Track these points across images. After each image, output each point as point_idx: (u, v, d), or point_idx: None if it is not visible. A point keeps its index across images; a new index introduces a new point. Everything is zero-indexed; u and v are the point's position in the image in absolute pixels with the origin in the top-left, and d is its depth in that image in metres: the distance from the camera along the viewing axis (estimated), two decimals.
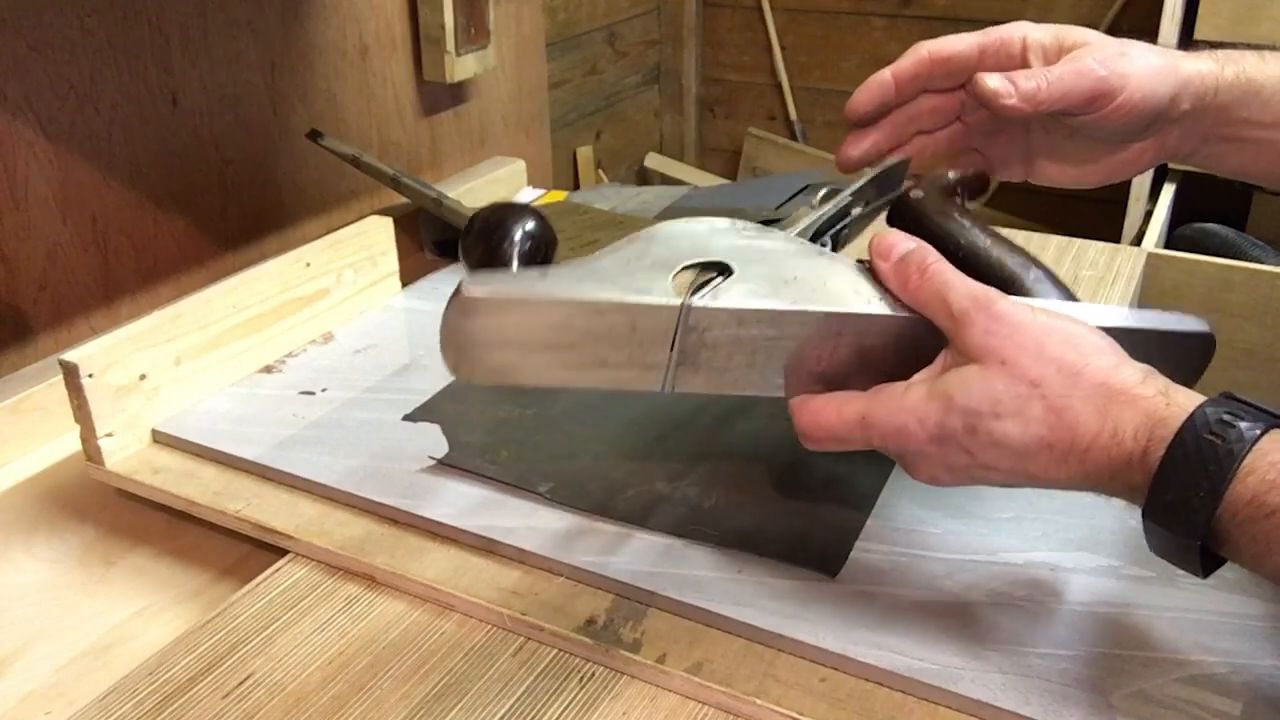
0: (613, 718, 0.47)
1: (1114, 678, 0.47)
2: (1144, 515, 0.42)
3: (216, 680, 0.49)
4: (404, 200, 0.95)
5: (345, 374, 0.72)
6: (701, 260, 0.48)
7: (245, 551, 0.60)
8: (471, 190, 1.08)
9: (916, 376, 0.47)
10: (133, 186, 0.81)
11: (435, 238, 0.95)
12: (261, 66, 0.90)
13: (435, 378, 0.70)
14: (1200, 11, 1.71)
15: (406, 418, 0.66)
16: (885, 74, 0.57)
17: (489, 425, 0.65)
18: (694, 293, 0.47)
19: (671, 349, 0.47)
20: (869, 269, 0.49)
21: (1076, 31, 0.55)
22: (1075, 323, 0.45)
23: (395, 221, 0.83)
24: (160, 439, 0.65)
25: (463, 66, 1.07)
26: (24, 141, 0.73)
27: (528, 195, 1.15)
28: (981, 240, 0.52)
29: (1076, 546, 0.55)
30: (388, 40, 1.02)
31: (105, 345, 0.62)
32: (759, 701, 0.46)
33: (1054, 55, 0.55)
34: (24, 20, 0.72)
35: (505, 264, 0.53)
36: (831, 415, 0.48)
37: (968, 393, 0.44)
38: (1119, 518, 0.56)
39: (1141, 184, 1.86)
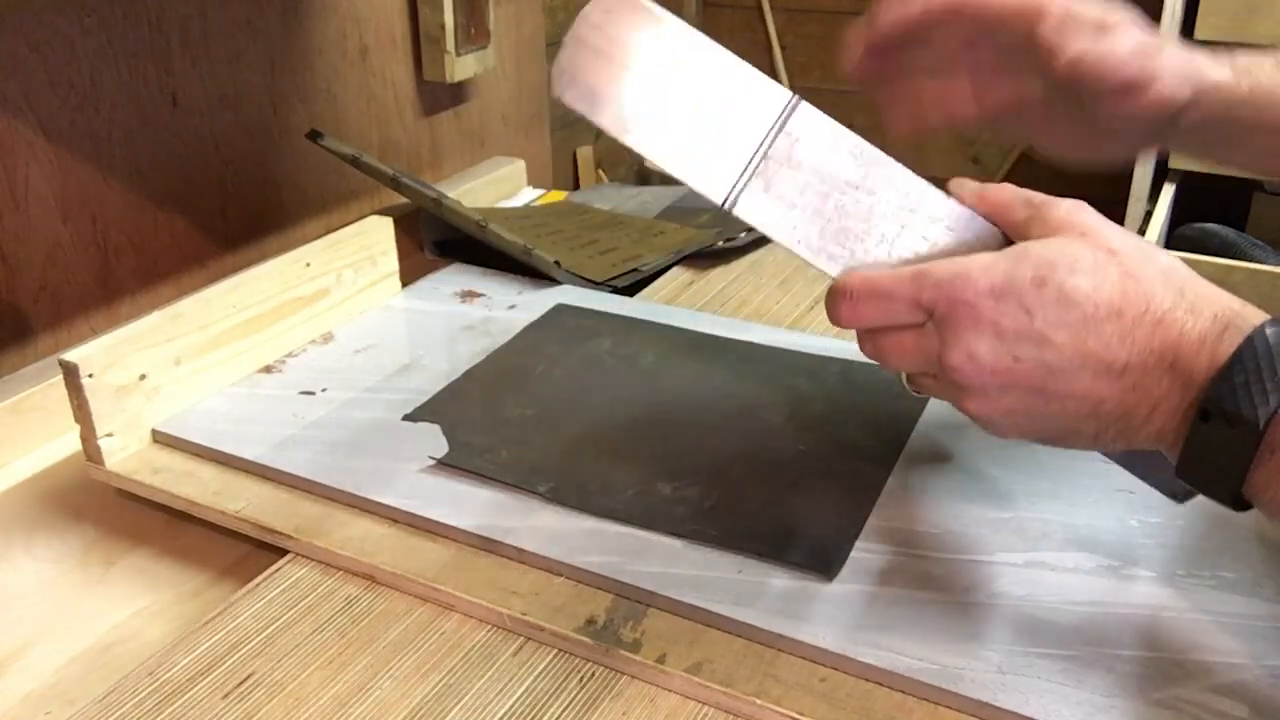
0: (613, 718, 0.47)
1: (1114, 678, 0.47)
2: (1203, 403, 0.39)
3: (216, 680, 0.49)
4: (404, 200, 0.95)
5: (345, 374, 0.72)
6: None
7: (245, 551, 0.60)
8: (471, 190, 1.08)
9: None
10: (133, 186, 0.81)
11: (435, 238, 0.95)
12: (261, 66, 0.90)
13: (435, 378, 0.70)
14: (1200, 11, 1.71)
15: (406, 418, 0.66)
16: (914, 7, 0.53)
17: (489, 425, 0.65)
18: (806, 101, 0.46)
19: (758, 147, 0.46)
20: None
21: (1118, 14, 0.52)
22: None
23: (395, 221, 0.83)
24: (160, 439, 0.65)
25: (463, 66, 1.07)
26: (24, 141, 0.73)
27: (527, 195, 1.15)
28: None
29: (1076, 546, 0.55)
30: (388, 40, 1.03)
31: (105, 345, 0.62)
32: (759, 701, 0.46)
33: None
34: (24, 20, 0.72)
35: None
36: (883, 271, 0.44)
37: (1044, 247, 0.42)
38: (1119, 518, 0.56)
39: (1141, 184, 1.86)
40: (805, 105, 0.46)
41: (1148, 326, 0.40)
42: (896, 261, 0.46)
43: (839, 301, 0.45)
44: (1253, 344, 0.39)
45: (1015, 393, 0.43)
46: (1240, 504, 0.40)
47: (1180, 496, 0.50)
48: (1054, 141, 0.56)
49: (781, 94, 0.46)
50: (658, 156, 0.47)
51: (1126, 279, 0.41)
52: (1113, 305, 0.41)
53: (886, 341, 0.45)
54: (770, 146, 0.46)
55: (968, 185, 0.47)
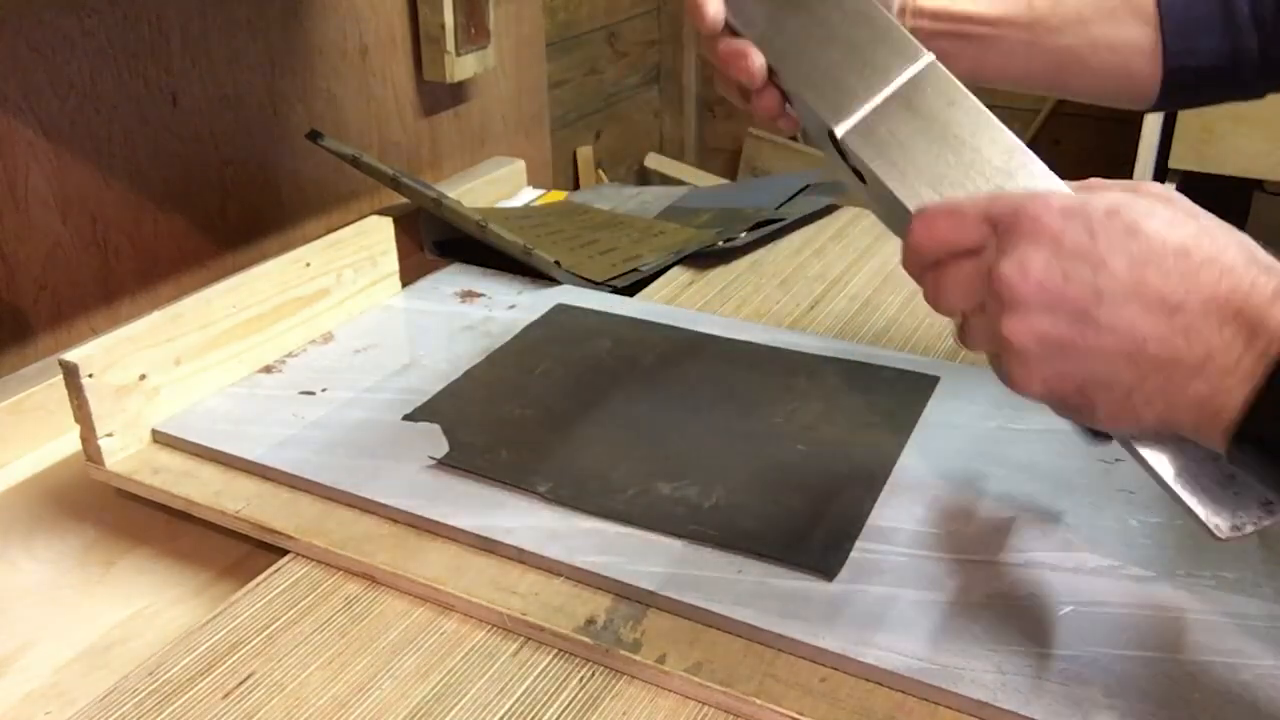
0: (613, 718, 0.47)
1: (1114, 677, 0.47)
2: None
3: (216, 680, 0.49)
4: (404, 200, 0.95)
5: (345, 374, 0.72)
6: None
7: (245, 551, 0.60)
8: (471, 190, 1.08)
9: None
10: (133, 186, 0.81)
11: (435, 238, 0.95)
12: (261, 66, 0.90)
13: (435, 378, 0.70)
14: None
15: (406, 418, 0.66)
16: None
17: (489, 425, 0.65)
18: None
19: (887, 87, 0.48)
20: None
21: None
22: None
23: (395, 221, 0.83)
24: (160, 439, 0.65)
25: (463, 66, 1.07)
26: (24, 141, 0.73)
27: (527, 195, 1.15)
28: None
29: (1076, 546, 0.55)
30: (388, 40, 1.03)
31: (105, 345, 0.62)
32: (759, 701, 0.46)
33: None
34: (24, 20, 0.72)
35: None
36: (955, 208, 0.44)
37: (1127, 194, 0.41)
38: (1119, 518, 0.56)
39: None
40: (937, 64, 0.48)
41: (1214, 271, 0.38)
42: None
43: (915, 224, 0.44)
44: None
45: (1056, 315, 0.40)
46: None
47: (1097, 440, 0.47)
48: None
49: (918, 50, 0.48)
50: (790, 69, 0.50)
51: (1202, 233, 0.39)
52: (1182, 245, 0.39)
53: (947, 274, 0.43)
54: (898, 89, 0.48)
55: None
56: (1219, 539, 0.41)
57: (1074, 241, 0.39)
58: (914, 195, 0.47)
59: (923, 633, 0.49)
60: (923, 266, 0.44)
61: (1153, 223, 0.39)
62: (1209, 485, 0.41)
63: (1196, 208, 0.41)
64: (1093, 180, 0.45)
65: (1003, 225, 0.42)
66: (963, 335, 0.45)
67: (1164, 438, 0.42)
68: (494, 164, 1.16)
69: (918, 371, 0.70)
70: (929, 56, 0.48)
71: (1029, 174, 0.46)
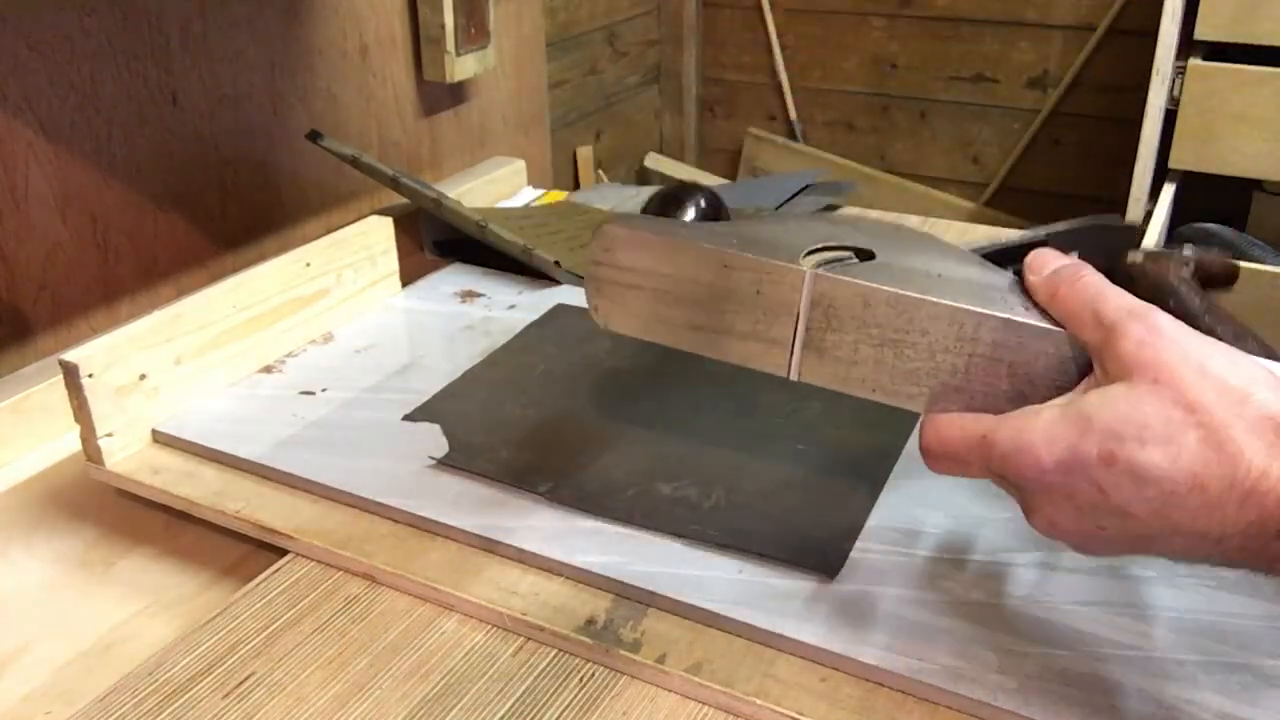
0: (613, 718, 0.47)
1: (1114, 678, 0.47)
2: None
3: (216, 680, 0.49)
4: (404, 200, 0.95)
5: (345, 374, 0.72)
6: (847, 244, 0.47)
7: (245, 551, 0.60)
8: (471, 190, 1.08)
9: (1054, 400, 0.41)
10: (133, 186, 0.81)
11: (435, 238, 0.95)
12: (261, 66, 0.90)
13: (435, 378, 0.70)
14: (1200, 11, 1.71)
15: (406, 418, 0.66)
16: None
17: (489, 425, 0.65)
18: (824, 266, 0.45)
19: (796, 324, 0.46)
20: (1024, 285, 0.45)
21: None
22: (1239, 352, 0.39)
23: (395, 221, 0.83)
24: (160, 439, 0.65)
25: (463, 66, 1.07)
26: (24, 141, 0.73)
27: (527, 195, 1.15)
28: (1196, 307, 0.48)
29: None
30: (388, 40, 1.03)
31: (105, 345, 0.62)
32: (759, 701, 0.46)
33: None
34: (24, 20, 0.72)
35: None
36: (955, 431, 0.42)
37: (1110, 413, 0.38)
38: None
39: (1141, 184, 1.86)
40: (824, 274, 0.45)
41: (1236, 500, 0.36)
42: (979, 390, 0.45)
43: (923, 456, 0.44)
44: None
45: (1114, 547, 0.40)
46: None
47: None
48: None
49: (796, 271, 0.46)
50: (714, 352, 0.48)
51: (1206, 446, 0.37)
52: (1194, 478, 0.37)
53: (967, 471, 0.43)
54: (806, 322, 0.46)
55: (1046, 267, 0.44)
56: None
57: (1088, 499, 0.39)
58: (904, 398, 0.46)
59: (923, 633, 0.49)
60: (934, 458, 0.44)
61: (1153, 457, 0.37)
62: None
63: (1186, 369, 0.38)
64: (1067, 305, 0.42)
65: (1010, 481, 0.41)
66: None
67: None
68: (494, 164, 1.16)
69: None
70: (810, 274, 0.45)
71: (988, 329, 0.44)
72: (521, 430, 0.64)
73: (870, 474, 0.60)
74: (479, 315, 0.80)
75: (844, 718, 0.46)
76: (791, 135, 2.49)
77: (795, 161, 2.41)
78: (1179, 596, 0.51)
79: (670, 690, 0.48)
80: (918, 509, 0.57)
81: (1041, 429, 0.40)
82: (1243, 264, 0.98)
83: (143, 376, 0.64)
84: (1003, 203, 2.33)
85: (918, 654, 0.48)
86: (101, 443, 0.62)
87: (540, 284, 0.85)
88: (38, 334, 0.76)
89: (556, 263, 0.85)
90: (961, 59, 2.30)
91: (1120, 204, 1.89)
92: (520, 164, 1.16)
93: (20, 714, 0.50)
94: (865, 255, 0.47)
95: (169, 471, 0.63)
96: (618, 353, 0.73)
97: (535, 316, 0.79)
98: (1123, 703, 0.45)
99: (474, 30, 1.08)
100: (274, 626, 0.52)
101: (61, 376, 0.61)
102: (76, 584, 0.59)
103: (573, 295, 0.83)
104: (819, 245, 0.47)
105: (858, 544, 0.54)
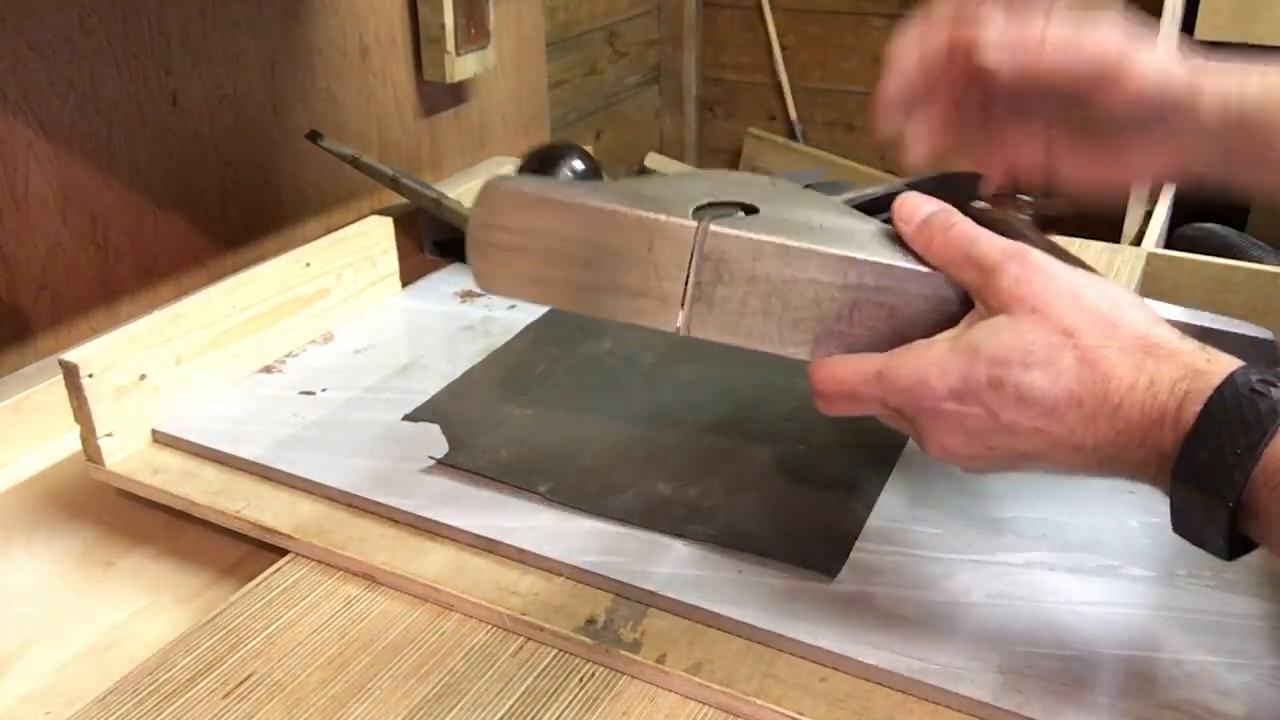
0: (613, 718, 0.47)
1: (1114, 678, 0.47)
2: (1173, 477, 0.40)
3: (216, 680, 0.49)
4: (404, 200, 0.95)
5: (345, 374, 0.72)
6: (730, 199, 0.47)
7: (245, 551, 0.60)
8: (471, 190, 1.08)
9: (940, 335, 0.44)
10: (133, 186, 0.81)
11: (435, 238, 0.95)
12: (261, 66, 0.90)
13: (435, 378, 0.70)
14: (1200, 11, 1.71)
15: (406, 418, 0.66)
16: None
17: (489, 425, 0.65)
18: (713, 221, 0.46)
19: (687, 279, 0.46)
20: (895, 231, 0.47)
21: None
22: (1112, 282, 0.43)
23: (395, 221, 0.83)
24: (160, 439, 0.65)
25: (463, 66, 1.07)
26: (24, 141, 0.73)
27: None
28: (1036, 245, 0.49)
29: (1076, 547, 0.55)
30: (388, 40, 1.03)
31: (105, 345, 0.62)
32: (759, 701, 0.46)
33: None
34: (24, 20, 0.72)
35: None
36: (848, 371, 0.45)
37: (995, 342, 0.42)
38: (1118, 518, 0.56)
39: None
40: (715, 226, 0.46)
41: (1107, 413, 0.41)
42: (861, 334, 0.47)
43: (816, 399, 0.46)
44: (1210, 414, 0.38)
45: (997, 464, 0.44)
46: (1235, 554, 0.40)
47: None
48: (1079, 171, 0.54)
49: (686, 227, 0.46)
50: (603, 312, 0.48)
51: (1083, 365, 0.41)
52: (1072, 395, 0.41)
53: (859, 407, 0.46)
54: (696, 276, 0.46)
55: (916, 213, 0.46)
56: None
57: (979, 423, 0.42)
58: (790, 348, 0.47)
59: (923, 633, 0.49)
60: (828, 399, 0.46)
61: (1035, 380, 0.41)
62: None
63: (1062, 299, 0.42)
64: (944, 252, 0.45)
65: (906, 414, 0.44)
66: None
67: None
68: (494, 164, 1.16)
69: None
70: (700, 226, 0.46)
71: (872, 276, 0.46)
72: (521, 430, 0.64)
73: (870, 474, 0.60)
74: (479, 315, 0.80)
75: (844, 718, 0.46)
76: (791, 135, 2.49)
77: (795, 161, 2.40)
78: (1179, 596, 0.51)
79: (670, 690, 0.48)
80: (918, 509, 0.57)
81: (934, 361, 0.43)
82: (1243, 264, 0.98)
83: (143, 376, 0.64)
84: (1002, 203, 2.33)
85: (918, 654, 0.48)
86: (101, 443, 0.62)
87: None
88: (38, 334, 0.76)
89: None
90: None
91: (1120, 204, 1.88)
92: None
93: (20, 714, 0.50)
94: (749, 210, 0.48)
95: (169, 471, 0.63)
96: (618, 353, 0.73)
97: (535, 316, 0.79)
98: (1123, 703, 0.45)
99: (474, 30, 1.08)
100: (274, 626, 0.52)
101: (61, 376, 0.61)
102: (76, 584, 0.59)
103: None
104: (706, 201, 0.47)
105: (858, 544, 0.54)
